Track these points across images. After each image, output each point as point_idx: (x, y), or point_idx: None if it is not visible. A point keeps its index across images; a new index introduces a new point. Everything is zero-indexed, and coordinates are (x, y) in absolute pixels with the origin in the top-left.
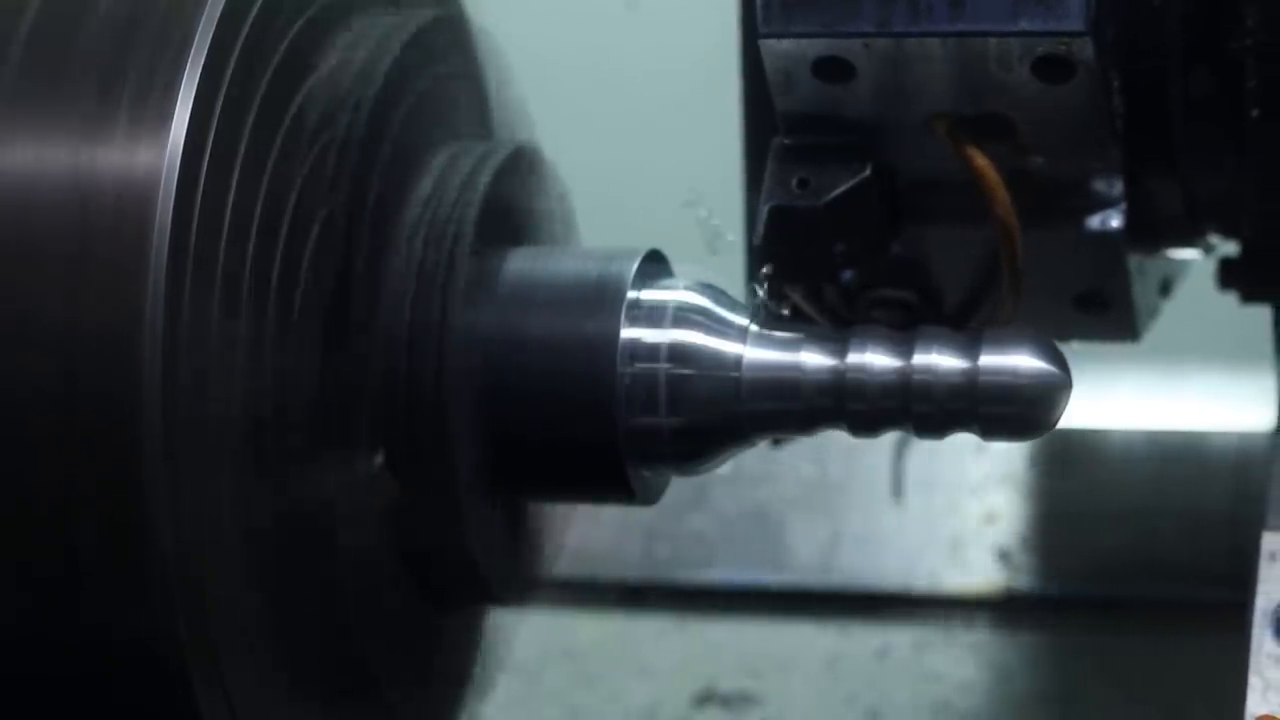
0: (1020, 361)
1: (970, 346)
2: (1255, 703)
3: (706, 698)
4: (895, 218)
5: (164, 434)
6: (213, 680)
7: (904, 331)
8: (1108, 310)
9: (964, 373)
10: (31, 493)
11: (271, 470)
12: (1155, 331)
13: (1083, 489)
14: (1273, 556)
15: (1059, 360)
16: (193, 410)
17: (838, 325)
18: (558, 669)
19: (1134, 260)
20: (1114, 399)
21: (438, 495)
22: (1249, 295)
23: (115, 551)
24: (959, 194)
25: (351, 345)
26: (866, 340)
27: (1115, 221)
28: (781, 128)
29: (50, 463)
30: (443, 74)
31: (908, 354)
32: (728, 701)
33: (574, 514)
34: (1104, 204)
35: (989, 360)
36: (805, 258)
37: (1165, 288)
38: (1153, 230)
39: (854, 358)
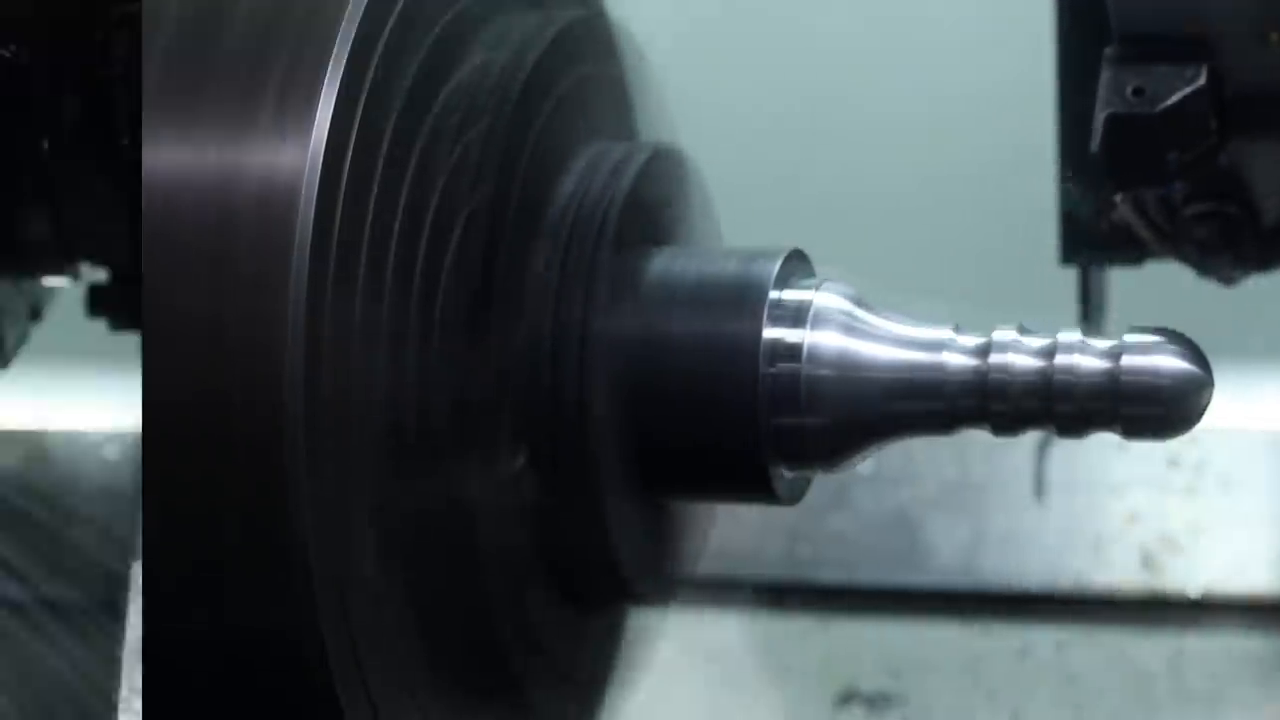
0: (1162, 362)
1: (1112, 347)
2: None
3: (848, 697)
4: (1224, 128)
5: (306, 433)
6: (354, 680)
7: (1043, 336)
8: None
9: (1106, 373)
10: (177, 492)
11: (413, 470)
12: None
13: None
14: None
15: (1201, 360)
16: (335, 410)
17: (1159, 239)
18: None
19: None
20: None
21: (580, 496)
22: None
23: (258, 550)
24: None
25: (494, 345)
26: (1008, 341)
27: None
28: (1115, 34)
29: (196, 462)
30: (586, 74)
31: (1049, 355)
32: (870, 701)
33: (715, 514)
34: None
35: (1131, 361)
36: (1141, 166)
37: None
38: None
39: (996, 359)
